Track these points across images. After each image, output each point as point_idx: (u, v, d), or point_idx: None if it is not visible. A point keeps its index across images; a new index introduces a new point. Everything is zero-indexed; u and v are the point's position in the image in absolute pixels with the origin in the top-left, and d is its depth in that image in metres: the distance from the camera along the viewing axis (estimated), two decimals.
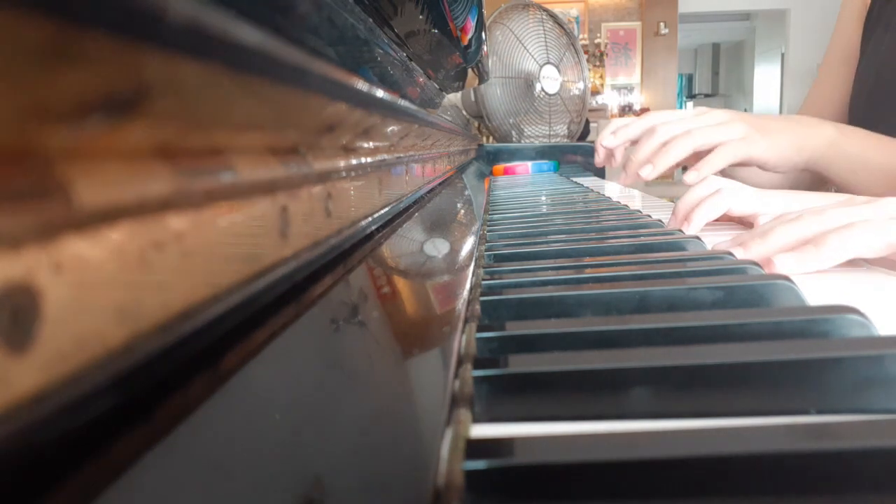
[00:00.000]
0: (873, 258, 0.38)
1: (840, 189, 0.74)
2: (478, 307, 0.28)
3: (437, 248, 0.39)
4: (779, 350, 0.20)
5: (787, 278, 0.28)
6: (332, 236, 0.21)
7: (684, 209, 0.53)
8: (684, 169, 0.72)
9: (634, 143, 0.75)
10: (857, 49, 0.90)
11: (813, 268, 0.37)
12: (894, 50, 0.79)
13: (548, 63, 1.53)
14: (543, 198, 0.80)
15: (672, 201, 0.85)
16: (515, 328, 0.24)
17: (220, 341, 0.13)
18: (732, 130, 0.69)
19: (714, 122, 0.70)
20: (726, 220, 0.57)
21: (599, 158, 0.79)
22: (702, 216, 0.52)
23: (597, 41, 5.85)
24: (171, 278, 0.11)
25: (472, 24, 0.58)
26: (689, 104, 9.15)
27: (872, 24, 0.87)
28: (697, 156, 0.69)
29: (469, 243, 0.43)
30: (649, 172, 0.69)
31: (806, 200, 0.52)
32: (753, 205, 0.52)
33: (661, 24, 5.80)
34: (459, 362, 0.21)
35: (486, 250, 0.42)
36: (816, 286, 0.35)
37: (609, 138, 0.77)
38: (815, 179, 0.80)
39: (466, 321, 0.25)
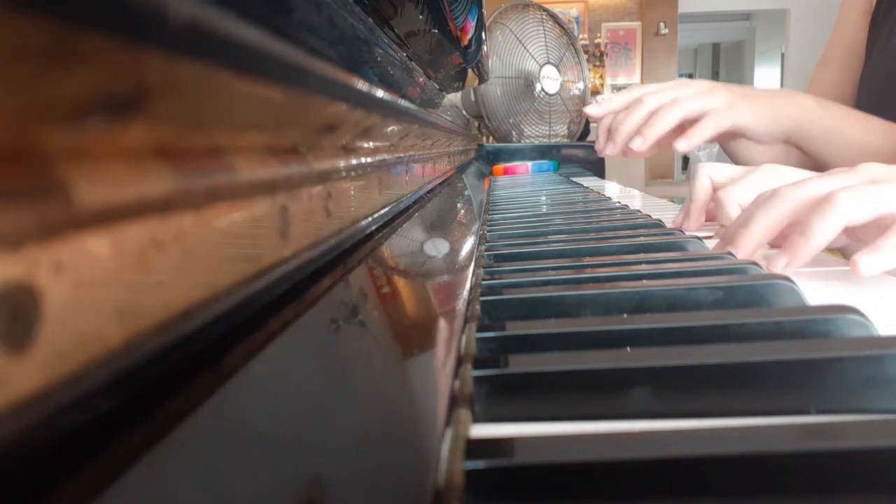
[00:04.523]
0: (861, 224, 0.36)
1: (817, 166, 0.74)
2: (478, 307, 0.28)
3: (437, 248, 0.39)
4: (779, 350, 0.20)
5: (787, 278, 0.28)
6: (333, 236, 0.21)
7: (693, 208, 0.51)
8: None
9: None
10: (859, 50, 0.90)
11: (808, 256, 0.36)
12: None
13: (548, 63, 1.53)
14: (543, 198, 0.80)
15: (672, 201, 0.85)
16: (515, 328, 0.24)
17: (220, 341, 0.13)
18: (717, 98, 0.70)
19: (698, 90, 0.71)
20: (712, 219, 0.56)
21: (600, 144, 0.79)
22: (732, 203, 0.48)
23: (597, 41, 5.84)
24: (171, 278, 0.11)
25: (472, 25, 0.58)
26: None
27: (879, 24, 0.86)
28: (683, 127, 0.70)
29: (469, 243, 0.43)
30: (640, 144, 0.69)
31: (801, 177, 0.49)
32: (753, 191, 0.49)
33: (661, 24, 5.80)
34: (459, 362, 0.21)
35: (486, 250, 0.42)
36: (816, 286, 0.35)
37: (593, 107, 0.78)
38: (801, 159, 0.81)
39: (466, 321, 0.25)
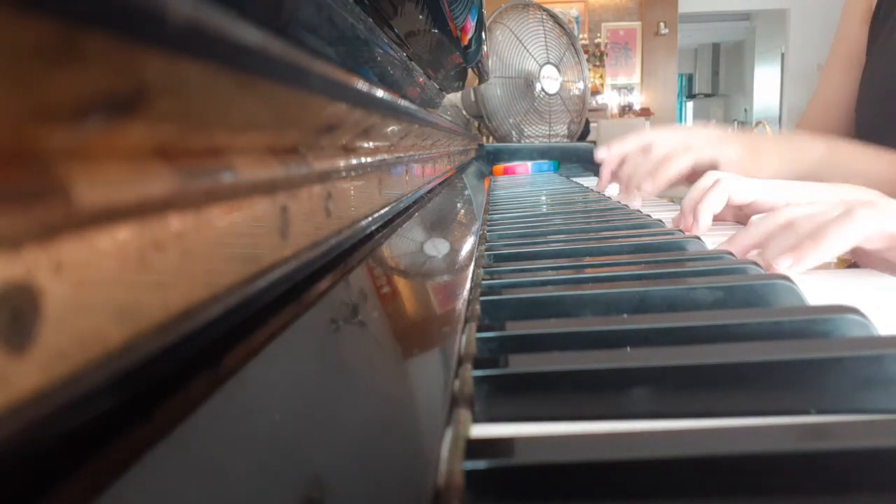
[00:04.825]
0: (873, 249, 0.37)
1: None
2: (478, 307, 0.28)
3: (437, 248, 0.39)
4: (779, 350, 0.20)
5: (786, 278, 0.28)
6: (332, 236, 0.21)
7: (689, 206, 0.53)
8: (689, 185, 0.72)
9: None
10: (862, 50, 0.89)
11: (815, 262, 0.36)
12: None
13: (548, 63, 1.53)
14: (543, 198, 0.80)
15: (672, 201, 0.85)
16: (515, 328, 0.24)
17: (220, 341, 0.13)
18: (729, 150, 0.70)
19: (710, 138, 0.71)
20: (731, 214, 0.57)
21: (603, 183, 0.82)
22: (706, 210, 0.52)
23: (597, 41, 5.84)
24: (171, 278, 0.11)
25: (472, 24, 0.58)
26: (689, 104, 9.15)
27: (880, 23, 0.86)
28: (695, 173, 0.70)
29: (469, 243, 0.43)
30: (650, 188, 0.69)
31: (805, 189, 0.51)
32: (753, 193, 0.52)
33: (661, 24, 5.80)
34: (459, 362, 0.21)
35: (486, 250, 0.42)
36: (816, 286, 0.35)
37: (603, 151, 0.80)
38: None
39: (466, 321, 0.25)
